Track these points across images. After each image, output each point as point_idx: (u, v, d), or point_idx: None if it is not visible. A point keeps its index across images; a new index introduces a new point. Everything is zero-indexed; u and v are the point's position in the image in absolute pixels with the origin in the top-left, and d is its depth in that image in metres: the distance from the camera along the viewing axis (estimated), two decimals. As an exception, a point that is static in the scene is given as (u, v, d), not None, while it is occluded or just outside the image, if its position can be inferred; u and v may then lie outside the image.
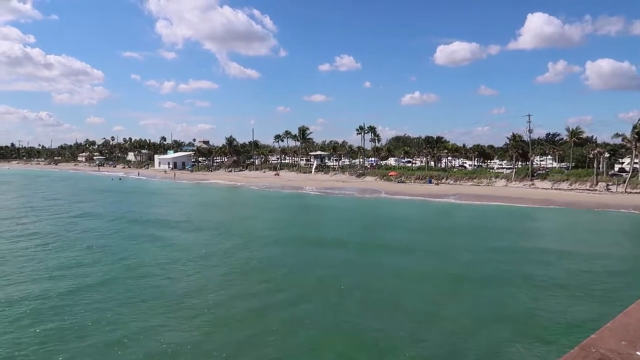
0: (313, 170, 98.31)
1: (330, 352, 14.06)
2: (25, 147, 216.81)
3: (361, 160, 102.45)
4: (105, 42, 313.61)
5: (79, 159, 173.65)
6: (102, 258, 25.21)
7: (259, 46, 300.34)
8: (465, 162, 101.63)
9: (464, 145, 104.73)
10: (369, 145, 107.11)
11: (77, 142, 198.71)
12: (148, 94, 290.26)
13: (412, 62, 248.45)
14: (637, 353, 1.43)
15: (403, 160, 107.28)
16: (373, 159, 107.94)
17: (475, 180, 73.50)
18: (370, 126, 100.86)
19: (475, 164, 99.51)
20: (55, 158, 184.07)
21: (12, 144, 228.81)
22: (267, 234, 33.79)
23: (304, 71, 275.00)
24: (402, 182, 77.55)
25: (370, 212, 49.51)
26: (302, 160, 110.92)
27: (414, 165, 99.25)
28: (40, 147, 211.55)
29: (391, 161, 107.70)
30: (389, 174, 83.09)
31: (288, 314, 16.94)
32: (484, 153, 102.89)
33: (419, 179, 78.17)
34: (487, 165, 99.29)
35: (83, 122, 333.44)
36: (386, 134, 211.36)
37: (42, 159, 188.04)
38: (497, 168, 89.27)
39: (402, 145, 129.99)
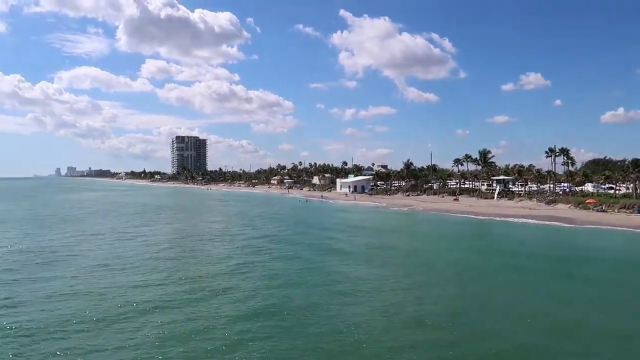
0: (495, 195, 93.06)
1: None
2: (229, 171, 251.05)
3: (551, 185, 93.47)
4: (295, 75, 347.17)
5: (272, 182, 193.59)
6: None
7: (437, 69, 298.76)
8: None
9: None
10: (560, 170, 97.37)
11: (270, 167, 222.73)
12: (331, 121, 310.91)
13: (614, 76, 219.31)
14: None
15: (603, 186, 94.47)
16: (565, 184, 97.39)
17: (703, 212, 61.06)
18: (562, 148, 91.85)
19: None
20: (253, 181, 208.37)
21: (220, 169, 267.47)
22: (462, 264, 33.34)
23: (485, 92, 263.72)
24: (603, 210, 68.37)
25: (567, 243, 44.73)
26: (484, 185, 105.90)
27: (617, 192, 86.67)
28: (241, 171, 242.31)
29: (588, 187, 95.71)
30: (586, 201, 74.04)
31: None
32: None
33: (625, 207, 67.99)
34: None
35: (276, 149, 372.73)
36: (581, 156, 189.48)
37: (243, 182, 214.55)
38: None
39: (601, 169, 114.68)
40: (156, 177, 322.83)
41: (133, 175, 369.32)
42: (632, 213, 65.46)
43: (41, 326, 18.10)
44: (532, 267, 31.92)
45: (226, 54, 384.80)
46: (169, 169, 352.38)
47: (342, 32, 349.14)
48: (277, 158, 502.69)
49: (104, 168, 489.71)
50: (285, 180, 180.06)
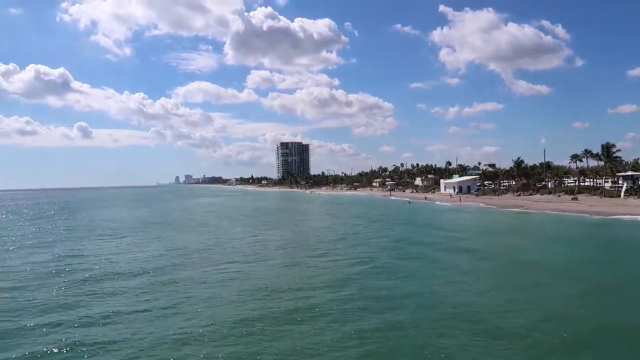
0: (622, 193, 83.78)
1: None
2: (331, 174, 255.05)
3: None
4: (394, 76, 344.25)
5: (373, 184, 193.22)
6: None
7: (549, 59, 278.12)
8: None
9: None
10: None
11: (372, 169, 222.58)
12: (433, 120, 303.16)
13: None
14: None
15: None
16: None
17: None
18: None
19: None
20: (355, 184, 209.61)
21: (322, 173, 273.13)
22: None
23: (608, 80, 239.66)
24: None
25: None
26: (607, 182, 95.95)
27: None
28: (343, 175, 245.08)
29: None
30: None
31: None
32: None
33: None
34: None
35: (377, 151, 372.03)
36: None
37: (344, 185, 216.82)
38: None
39: None
40: (263, 182, 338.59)
41: (242, 180, 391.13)
42: None
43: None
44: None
45: (326, 60, 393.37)
46: (274, 174, 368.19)
47: (442, 29, 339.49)
48: (378, 160, 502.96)
49: (216, 175, 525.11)
50: (387, 183, 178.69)
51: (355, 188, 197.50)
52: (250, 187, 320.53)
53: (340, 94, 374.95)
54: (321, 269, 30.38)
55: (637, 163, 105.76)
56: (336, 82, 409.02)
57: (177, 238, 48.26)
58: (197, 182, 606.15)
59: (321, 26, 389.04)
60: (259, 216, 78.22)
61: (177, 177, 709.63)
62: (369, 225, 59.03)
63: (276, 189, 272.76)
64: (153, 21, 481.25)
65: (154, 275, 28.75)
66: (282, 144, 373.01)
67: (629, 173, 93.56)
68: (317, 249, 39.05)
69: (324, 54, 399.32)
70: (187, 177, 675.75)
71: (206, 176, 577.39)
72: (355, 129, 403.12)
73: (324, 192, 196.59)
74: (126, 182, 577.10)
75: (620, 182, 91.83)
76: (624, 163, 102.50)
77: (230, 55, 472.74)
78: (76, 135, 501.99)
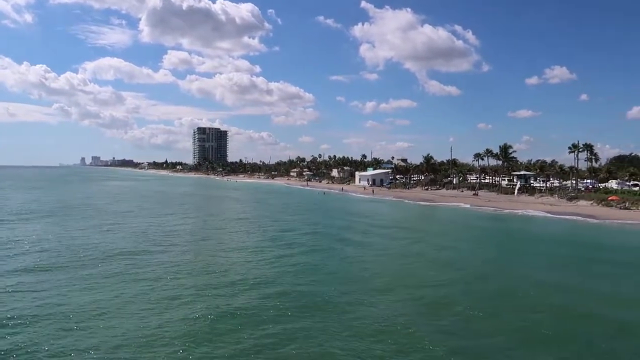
0: (516, 191, 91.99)
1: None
2: (249, 162, 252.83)
3: (573, 182, 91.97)
4: (316, 67, 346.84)
5: (291, 174, 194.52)
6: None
7: (459, 62, 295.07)
8: None
9: None
10: (583, 166, 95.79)
11: (290, 159, 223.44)
12: (351, 114, 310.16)
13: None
14: None
15: (628, 183, 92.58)
16: (588, 181, 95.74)
17: None
18: (585, 143, 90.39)
19: None
20: (272, 173, 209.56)
21: (240, 160, 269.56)
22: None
23: (509, 86, 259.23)
24: (627, 208, 67.16)
25: (586, 241, 43.87)
26: (504, 180, 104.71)
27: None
28: (261, 163, 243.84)
29: (612, 184, 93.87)
30: (609, 198, 72.72)
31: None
32: None
33: (649, 205, 66.64)
34: None
35: (296, 141, 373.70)
36: (606, 152, 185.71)
37: (262, 174, 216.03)
38: None
39: (627, 166, 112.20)
40: (178, 167, 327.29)
41: (155, 165, 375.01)
42: (656, 211, 64.19)
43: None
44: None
45: (247, 46, 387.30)
46: (190, 159, 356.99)
47: (363, 24, 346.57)
48: (297, 150, 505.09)
49: (127, 158, 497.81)
50: (304, 173, 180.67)
51: (273, 177, 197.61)
52: (163, 172, 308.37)
53: (261, 81, 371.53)
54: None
55: (530, 164, 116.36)
56: (257, 69, 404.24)
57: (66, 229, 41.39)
58: (106, 164, 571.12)
59: (244, 11, 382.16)
60: (170, 203, 75.95)
61: (83, 159, 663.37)
62: (270, 212, 59.82)
63: (192, 174, 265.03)
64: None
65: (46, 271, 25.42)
66: (199, 129, 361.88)
67: (522, 173, 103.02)
68: (234, 238, 39.00)
69: (245, 39, 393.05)
70: (95, 158, 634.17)
71: (116, 159, 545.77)
72: (275, 118, 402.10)
73: (240, 179, 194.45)
74: (24, 162, 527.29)
75: (514, 180, 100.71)
76: (519, 163, 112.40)
77: (145, 33, 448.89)
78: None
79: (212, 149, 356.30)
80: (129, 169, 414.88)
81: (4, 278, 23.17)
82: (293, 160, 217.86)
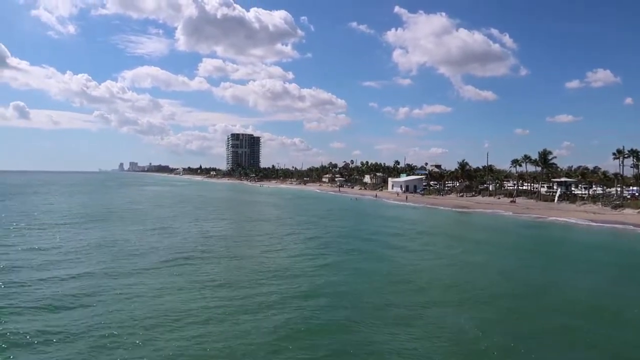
0: (556, 198, 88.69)
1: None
2: (282, 168, 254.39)
3: (619, 189, 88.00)
4: (348, 73, 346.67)
5: (323, 179, 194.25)
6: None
7: (496, 66, 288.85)
8: None
9: None
10: (629, 172, 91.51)
11: (322, 165, 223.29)
12: (384, 120, 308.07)
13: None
14: None
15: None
16: (635, 188, 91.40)
17: None
18: (632, 149, 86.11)
19: None
20: (304, 179, 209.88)
21: (273, 166, 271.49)
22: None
23: (548, 90, 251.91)
24: (677, 217, 63.62)
25: (633, 249, 41.81)
26: (543, 187, 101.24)
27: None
28: (293, 169, 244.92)
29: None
30: (657, 206, 69.15)
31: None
32: None
33: (702, 214, 63.00)
34: None
35: (327, 147, 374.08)
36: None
37: (294, 179, 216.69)
38: None
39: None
40: (212, 173, 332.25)
41: (190, 171, 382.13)
42: None
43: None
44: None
45: (280, 53, 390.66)
46: (223, 165, 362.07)
47: (396, 30, 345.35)
48: (328, 156, 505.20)
49: (163, 164, 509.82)
50: (336, 179, 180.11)
51: (305, 183, 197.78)
52: (198, 178, 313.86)
53: (293, 87, 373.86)
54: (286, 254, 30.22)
55: (570, 170, 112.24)
56: (290, 75, 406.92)
57: (119, 233, 42.86)
58: (143, 170, 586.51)
59: (277, 18, 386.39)
60: (209, 207, 76.82)
61: (122, 164, 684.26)
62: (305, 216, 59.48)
63: (225, 180, 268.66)
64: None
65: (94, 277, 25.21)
66: (232, 135, 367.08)
67: (563, 179, 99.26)
68: (274, 239, 38.89)
69: (278, 46, 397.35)
70: (132, 164, 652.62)
71: (152, 164, 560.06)
72: (307, 124, 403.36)
73: (273, 185, 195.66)
74: (66, 167, 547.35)
75: (554, 187, 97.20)
76: (559, 170, 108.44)
77: (181, 41, 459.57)
78: (12, 114, 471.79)
79: (245, 154, 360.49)
80: (165, 174, 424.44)
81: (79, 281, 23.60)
82: (325, 166, 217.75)
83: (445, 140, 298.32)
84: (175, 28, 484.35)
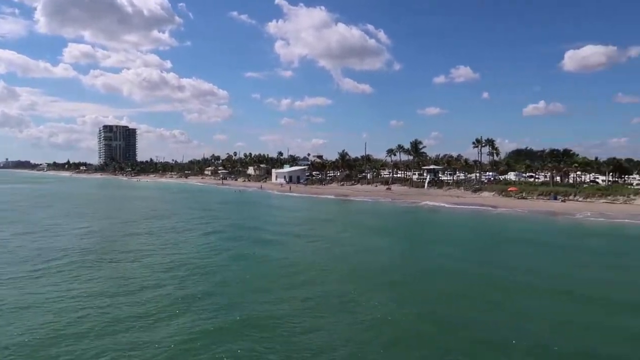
0: (426, 184, 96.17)
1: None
2: (161, 162, 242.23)
3: (477, 174, 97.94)
4: (230, 64, 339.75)
5: (206, 172, 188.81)
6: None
7: (372, 61, 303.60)
8: (598, 178, 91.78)
9: (596, 159, 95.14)
10: (486, 159, 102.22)
11: (204, 158, 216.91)
12: (267, 111, 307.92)
13: (536, 71, 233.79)
14: None
15: (524, 175, 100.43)
16: (490, 173, 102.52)
17: (609, 198, 66.23)
18: (487, 139, 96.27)
19: (610, 179, 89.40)
20: (186, 172, 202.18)
21: (151, 159, 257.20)
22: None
23: (418, 84, 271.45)
24: (523, 198, 72.52)
25: (489, 229, 46.82)
26: (415, 174, 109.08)
27: (537, 180, 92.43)
28: (173, 162, 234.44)
29: (511, 176, 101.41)
30: (508, 189, 78.22)
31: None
32: (620, 167, 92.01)
33: (542, 195, 72.52)
34: (625, 181, 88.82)
35: (210, 139, 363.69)
36: (505, 147, 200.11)
37: (175, 173, 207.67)
38: (637, 184, 79.65)
39: (523, 159, 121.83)
40: (81, 168, 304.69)
41: (56, 166, 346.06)
42: (548, 199, 69.96)
43: None
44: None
45: (157, 40, 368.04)
46: (95, 159, 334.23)
47: (277, 21, 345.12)
48: (211, 148, 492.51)
49: (23, 159, 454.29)
50: (219, 171, 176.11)
51: (187, 176, 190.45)
52: (65, 174, 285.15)
53: (172, 77, 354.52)
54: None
55: (438, 158, 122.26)
56: (168, 64, 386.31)
57: None
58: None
59: (152, 3, 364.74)
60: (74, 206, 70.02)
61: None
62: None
63: (97, 175, 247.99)
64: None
65: None
66: (105, 127, 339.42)
67: (431, 167, 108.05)
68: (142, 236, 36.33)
69: (155, 33, 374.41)
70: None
71: (10, 160, 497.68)
72: (187, 115, 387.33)
73: (152, 179, 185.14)
74: None
75: (425, 174, 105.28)
76: (428, 158, 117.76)
77: (42, 23, 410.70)
78: None
79: (119, 148, 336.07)
80: (26, 170, 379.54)
81: None
82: (207, 159, 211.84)
83: (327, 132, 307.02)
84: (35, 8, 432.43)
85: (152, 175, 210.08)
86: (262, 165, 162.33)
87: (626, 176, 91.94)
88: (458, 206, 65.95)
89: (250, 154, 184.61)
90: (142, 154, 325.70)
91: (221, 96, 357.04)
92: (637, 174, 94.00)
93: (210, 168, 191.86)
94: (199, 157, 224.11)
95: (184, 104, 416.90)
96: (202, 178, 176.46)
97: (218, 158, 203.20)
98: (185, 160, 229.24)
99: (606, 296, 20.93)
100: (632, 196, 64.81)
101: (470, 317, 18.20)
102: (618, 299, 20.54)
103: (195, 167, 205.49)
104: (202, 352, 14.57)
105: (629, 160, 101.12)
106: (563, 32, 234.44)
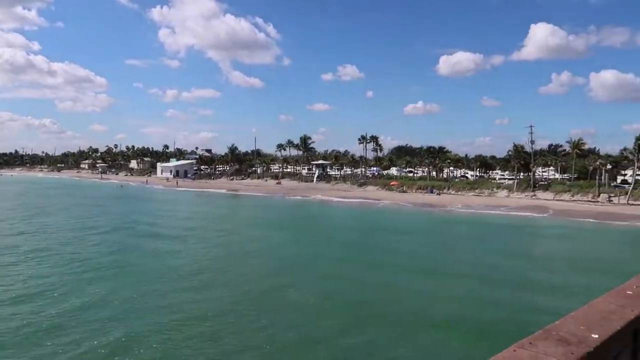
0: (315, 179, 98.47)
1: None
2: (28, 154, 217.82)
3: (363, 169, 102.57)
4: (109, 49, 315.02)
5: (82, 166, 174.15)
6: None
7: (262, 55, 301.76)
8: (467, 173, 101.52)
9: (466, 156, 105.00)
10: (371, 155, 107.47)
11: (80, 150, 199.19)
12: (151, 102, 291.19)
13: (415, 72, 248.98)
14: (593, 335, 1.61)
15: (405, 170, 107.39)
16: (375, 168, 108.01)
17: (476, 191, 73.56)
18: (372, 136, 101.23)
19: (477, 174, 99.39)
20: (59, 165, 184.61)
21: (16, 151, 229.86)
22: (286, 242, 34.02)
23: (307, 80, 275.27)
24: (404, 191, 77.59)
25: (372, 220, 49.69)
26: (304, 169, 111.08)
27: (415, 175, 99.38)
28: (43, 154, 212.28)
29: (393, 171, 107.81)
30: (391, 183, 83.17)
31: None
32: (485, 164, 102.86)
33: (420, 189, 78.25)
34: (489, 176, 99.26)
35: (86, 130, 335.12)
36: (388, 143, 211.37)
37: (45, 166, 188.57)
38: (499, 179, 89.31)
39: (404, 155, 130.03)
40: None
41: None
42: (426, 193, 75.66)
43: None
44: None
45: (22, 18, 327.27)
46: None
47: (162, 8, 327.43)
48: (88, 140, 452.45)
49: None
50: (98, 165, 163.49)
51: (60, 170, 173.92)
52: None
53: (41, 60, 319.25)
54: None
55: (326, 153, 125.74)
56: (36, 46, 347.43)
57: None
58: None
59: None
60: None
61: None
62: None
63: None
64: None
65: None
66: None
67: (320, 162, 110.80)
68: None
69: (19, 10, 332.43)
70: None
71: None
72: (60, 103, 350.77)
73: (18, 173, 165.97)
74: None
75: (314, 169, 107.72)
76: (317, 153, 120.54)
77: None
78: None
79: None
80: None
81: None
82: (84, 151, 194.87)
83: (216, 125, 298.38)
84: None
85: (18, 169, 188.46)
86: (146, 159, 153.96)
87: (490, 171, 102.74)
88: (345, 200, 68.63)
89: (133, 146, 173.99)
90: (6, 145, 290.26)
91: (99, 84, 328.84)
92: (499, 169, 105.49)
93: (87, 161, 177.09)
94: (74, 150, 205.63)
95: (55, 91, 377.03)
96: (77, 172, 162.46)
97: (96, 150, 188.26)
98: (58, 153, 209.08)
99: (459, 271, 25.02)
100: (494, 189, 72.66)
101: (351, 293, 20.36)
102: (467, 273, 24.53)
103: (70, 160, 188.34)
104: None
105: (493, 157, 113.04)
106: (439, 38, 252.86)
